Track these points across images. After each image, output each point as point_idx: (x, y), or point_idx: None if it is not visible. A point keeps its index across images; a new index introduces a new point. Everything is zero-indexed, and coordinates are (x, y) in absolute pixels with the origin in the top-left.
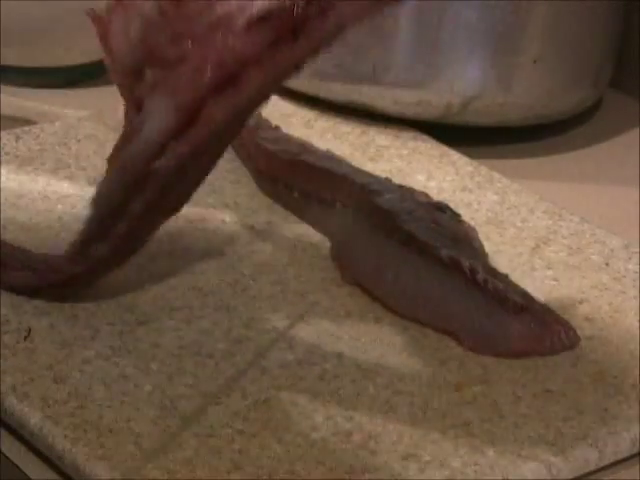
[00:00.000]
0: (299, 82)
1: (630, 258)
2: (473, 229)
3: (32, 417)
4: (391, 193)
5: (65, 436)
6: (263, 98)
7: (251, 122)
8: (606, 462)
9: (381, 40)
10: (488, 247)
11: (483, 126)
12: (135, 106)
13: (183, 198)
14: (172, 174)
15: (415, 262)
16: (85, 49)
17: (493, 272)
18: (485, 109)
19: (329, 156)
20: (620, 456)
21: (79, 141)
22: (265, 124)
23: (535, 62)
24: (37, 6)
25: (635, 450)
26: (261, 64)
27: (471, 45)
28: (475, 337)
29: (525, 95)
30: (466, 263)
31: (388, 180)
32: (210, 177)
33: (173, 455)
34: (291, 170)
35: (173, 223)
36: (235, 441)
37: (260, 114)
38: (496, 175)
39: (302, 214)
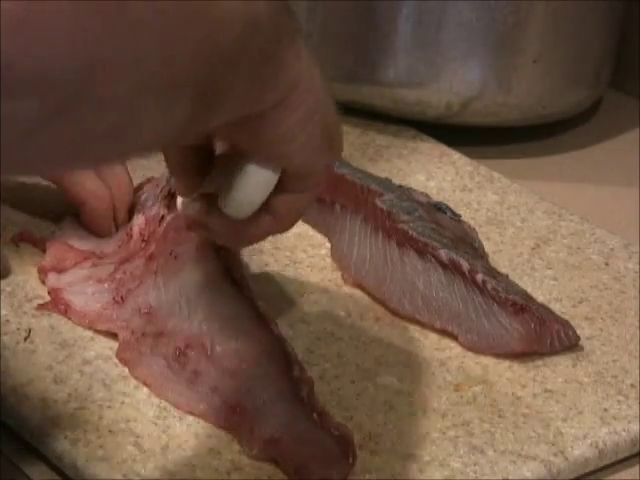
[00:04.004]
0: None
1: (630, 258)
2: (473, 229)
3: (32, 418)
4: (391, 193)
5: (65, 437)
6: None
7: None
8: (606, 462)
9: (381, 40)
10: (488, 247)
11: (483, 126)
12: None
13: None
14: None
15: (415, 262)
16: None
17: (493, 272)
18: (485, 109)
19: None
20: (620, 456)
21: None
22: None
23: (535, 62)
24: None
25: (635, 450)
26: None
27: (471, 45)
28: (475, 337)
29: (525, 95)
30: (466, 264)
31: (388, 180)
32: None
33: (173, 455)
34: None
35: None
36: (235, 441)
37: None
38: (496, 175)
39: None
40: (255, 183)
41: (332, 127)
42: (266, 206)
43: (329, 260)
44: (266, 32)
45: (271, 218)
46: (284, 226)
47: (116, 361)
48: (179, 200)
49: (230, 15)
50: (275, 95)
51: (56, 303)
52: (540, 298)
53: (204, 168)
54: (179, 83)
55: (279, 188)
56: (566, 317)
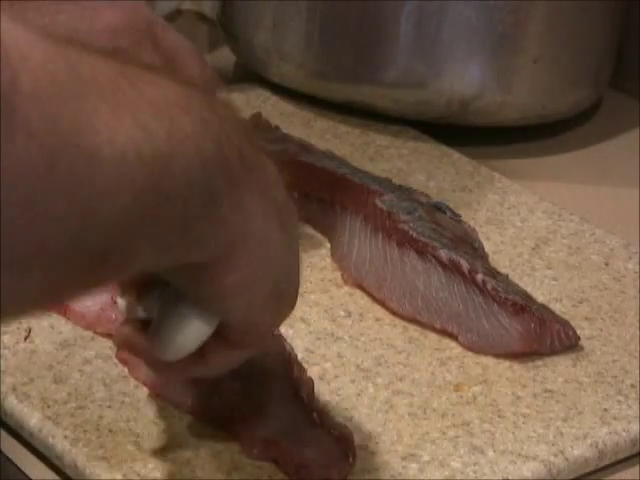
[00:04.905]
0: (299, 82)
1: (630, 258)
2: (473, 229)
3: (32, 417)
4: (391, 193)
5: (65, 436)
6: None
7: (250, 122)
8: (606, 462)
9: (381, 40)
10: (488, 247)
11: (483, 126)
12: None
13: None
14: None
15: (415, 262)
16: None
17: (493, 272)
18: (485, 109)
19: (329, 156)
20: (620, 456)
21: None
22: (265, 124)
23: (535, 62)
24: None
25: (635, 450)
26: None
27: (471, 45)
28: (475, 337)
29: (525, 95)
30: (466, 264)
31: (388, 180)
32: None
33: (173, 455)
34: (291, 170)
35: None
36: (235, 441)
37: (260, 114)
38: (496, 175)
39: (302, 214)
40: (187, 332)
41: (284, 287)
42: (199, 349)
43: (329, 260)
44: (183, 196)
45: (201, 362)
46: (212, 373)
47: (116, 361)
48: (119, 301)
49: (113, 187)
50: (210, 251)
51: None
52: (540, 298)
53: (146, 276)
54: (30, 259)
55: (216, 336)
56: (566, 317)
